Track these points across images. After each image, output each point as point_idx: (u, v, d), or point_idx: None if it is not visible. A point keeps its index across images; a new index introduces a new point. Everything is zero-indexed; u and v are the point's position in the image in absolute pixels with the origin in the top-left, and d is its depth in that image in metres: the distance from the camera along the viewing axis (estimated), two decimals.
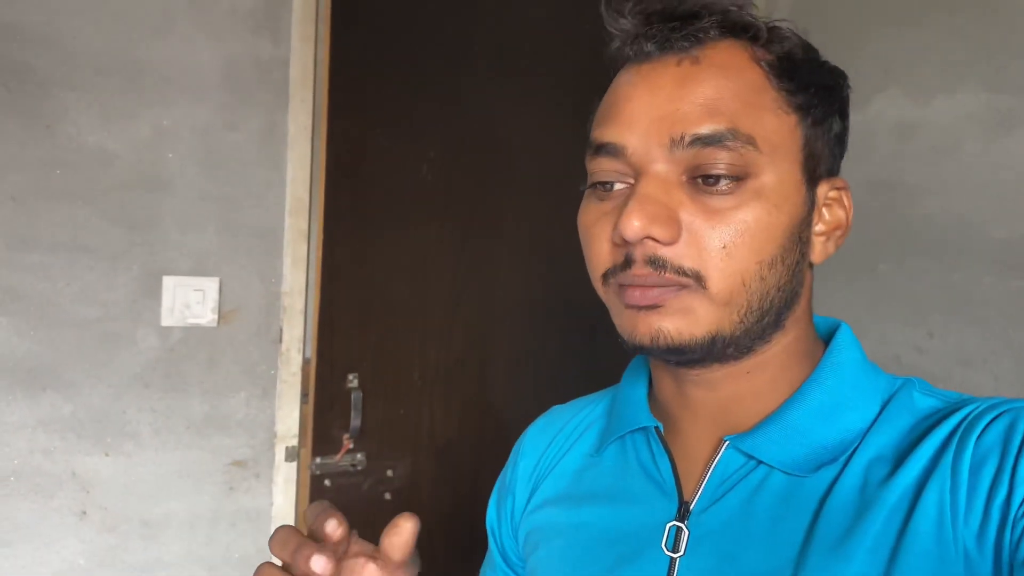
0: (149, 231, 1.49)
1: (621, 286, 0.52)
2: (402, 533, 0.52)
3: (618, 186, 0.53)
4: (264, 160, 1.56)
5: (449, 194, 1.75)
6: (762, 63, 0.52)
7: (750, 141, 0.50)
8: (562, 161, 1.81)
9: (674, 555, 0.54)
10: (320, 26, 1.58)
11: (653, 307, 0.50)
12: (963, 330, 1.44)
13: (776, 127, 0.51)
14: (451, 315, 1.76)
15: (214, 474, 1.54)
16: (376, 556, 0.51)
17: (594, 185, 0.54)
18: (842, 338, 0.57)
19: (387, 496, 1.70)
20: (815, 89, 0.53)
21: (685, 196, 0.50)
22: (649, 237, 0.49)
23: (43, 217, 1.43)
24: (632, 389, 0.64)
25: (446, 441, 1.75)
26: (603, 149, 0.52)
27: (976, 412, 0.49)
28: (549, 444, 0.70)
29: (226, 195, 1.54)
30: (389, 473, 1.70)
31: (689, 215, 0.50)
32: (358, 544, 0.52)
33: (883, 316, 1.55)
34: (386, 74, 1.67)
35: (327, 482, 1.63)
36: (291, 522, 1.58)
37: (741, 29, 0.52)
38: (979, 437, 0.47)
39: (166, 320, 1.50)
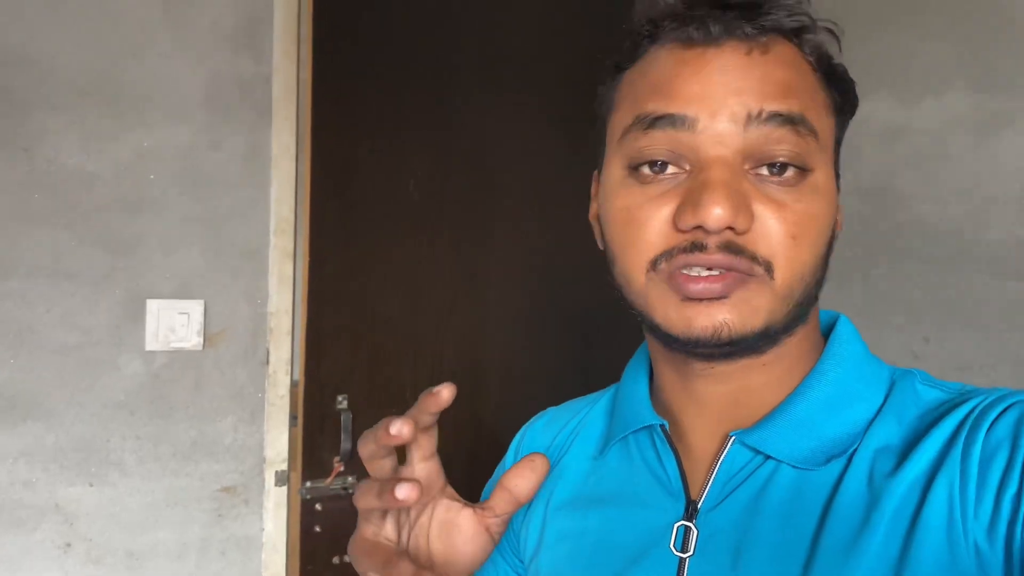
0: (131, 254, 1.46)
1: (674, 276, 0.49)
2: (538, 469, 0.50)
3: (671, 169, 0.51)
4: (248, 179, 1.54)
5: (437, 209, 1.73)
6: (812, 63, 0.53)
7: (813, 132, 0.50)
8: (551, 173, 1.80)
9: (683, 555, 0.53)
10: (302, 43, 1.57)
11: (718, 299, 0.49)
12: (959, 335, 1.42)
13: (826, 125, 0.52)
14: (442, 332, 1.73)
15: (202, 501, 1.51)
16: (470, 504, 0.51)
17: (637, 166, 0.51)
18: (843, 330, 0.57)
19: None
20: (846, 95, 0.54)
21: (750, 186, 0.49)
22: (729, 227, 0.48)
23: (22, 242, 1.40)
24: (633, 387, 0.62)
25: (440, 459, 1.72)
26: (663, 122, 0.50)
27: (984, 404, 0.49)
28: (549, 445, 0.68)
29: (210, 216, 1.51)
30: None
31: (758, 205, 0.49)
32: (451, 489, 0.52)
33: (878, 322, 1.53)
34: (370, 90, 1.66)
35: (318, 506, 1.59)
36: (282, 549, 1.55)
37: (799, 29, 0.52)
38: (988, 431, 0.47)
39: (150, 344, 1.47)
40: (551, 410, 0.73)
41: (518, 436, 0.73)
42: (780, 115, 0.49)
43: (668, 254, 0.50)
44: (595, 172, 0.61)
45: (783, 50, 0.51)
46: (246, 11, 1.54)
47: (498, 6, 1.79)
